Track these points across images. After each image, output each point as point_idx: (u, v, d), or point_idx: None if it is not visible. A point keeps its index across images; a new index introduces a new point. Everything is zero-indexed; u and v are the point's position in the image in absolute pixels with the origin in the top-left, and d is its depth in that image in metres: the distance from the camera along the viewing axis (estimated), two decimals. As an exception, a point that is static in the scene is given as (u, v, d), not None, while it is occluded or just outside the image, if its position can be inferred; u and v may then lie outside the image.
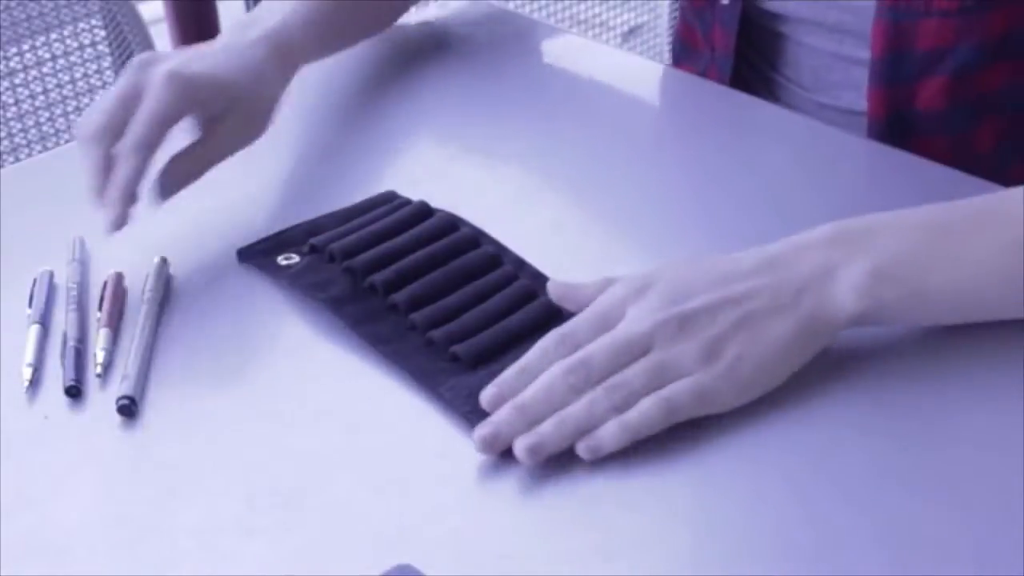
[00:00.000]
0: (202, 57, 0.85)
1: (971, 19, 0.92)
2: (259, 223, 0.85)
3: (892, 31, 0.94)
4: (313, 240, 0.81)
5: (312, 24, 0.93)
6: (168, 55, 0.84)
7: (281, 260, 0.81)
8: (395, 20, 1.08)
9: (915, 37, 0.93)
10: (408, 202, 0.85)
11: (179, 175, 0.81)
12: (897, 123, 0.95)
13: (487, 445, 0.67)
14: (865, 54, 0.96)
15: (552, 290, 0.75)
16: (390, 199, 0.86)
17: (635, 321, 0.69)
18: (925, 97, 0.95)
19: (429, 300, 0.76)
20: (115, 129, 0.79)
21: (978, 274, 0.70)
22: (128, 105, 0.80)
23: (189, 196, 0.83)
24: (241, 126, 0.85)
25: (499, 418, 0.67)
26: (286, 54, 0.90)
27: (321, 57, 0.97)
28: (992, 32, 0.93)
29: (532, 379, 0.69)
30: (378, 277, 0.77)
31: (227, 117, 0.84)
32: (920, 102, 0.95)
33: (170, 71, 0.80)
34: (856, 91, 0.98)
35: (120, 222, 0.78)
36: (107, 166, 0.78)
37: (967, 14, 0.92)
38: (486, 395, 0.69)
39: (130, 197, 0.78)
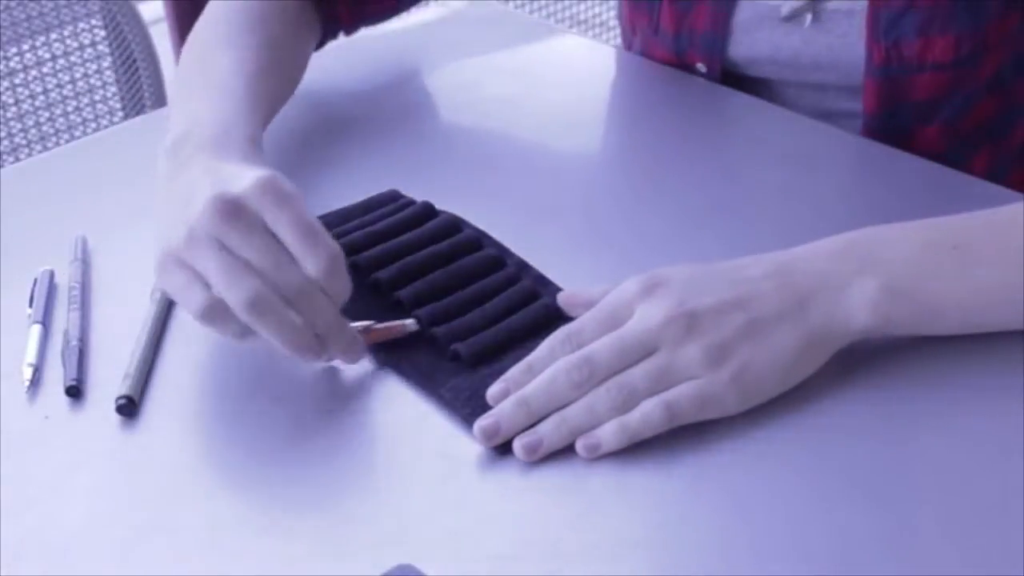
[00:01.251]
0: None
1: (965, 70, 0.91)
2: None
3: (885, 87, 0.93)
4: (314, 239, 0.81)
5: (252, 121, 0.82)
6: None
7: (282, 260, 0.81)
8: (302, 76, 0.97)
9: (910, 91, 0.93)
10: (412, 202, 0.85)
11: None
12: None
13: (488, 437, 0.67)
14: (849, 106, 0.96)
15: (561, 300, 0.75)
16: (394, 198, 0.86)
17: (643, 319, 0.69)
18: (923, 141, 0.94)
19: (431, 299, 0.76)
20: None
21: (988, 288, 0.70)
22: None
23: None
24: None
25: (501, 410, 0.68)
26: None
27: None
28: (986, 75, 0.92)
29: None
30: (383, 274, 0.77)
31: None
32: (917, 146, 0.94)
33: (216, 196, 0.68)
34: None
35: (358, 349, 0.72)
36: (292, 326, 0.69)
37: (961, 66, 0.91)
38: (492, 391, 0.69)
39: (344, 327, 0.71)
